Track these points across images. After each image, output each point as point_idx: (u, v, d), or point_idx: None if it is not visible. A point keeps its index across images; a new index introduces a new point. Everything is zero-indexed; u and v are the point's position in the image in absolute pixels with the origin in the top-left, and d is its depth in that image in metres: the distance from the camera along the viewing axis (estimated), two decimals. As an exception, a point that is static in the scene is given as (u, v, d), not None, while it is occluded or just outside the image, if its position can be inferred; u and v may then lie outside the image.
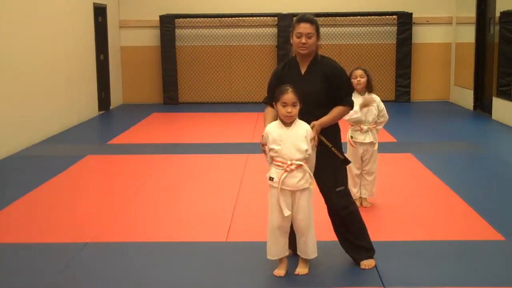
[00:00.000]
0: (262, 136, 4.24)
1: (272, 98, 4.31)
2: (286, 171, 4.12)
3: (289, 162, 4.13)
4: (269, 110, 4.45)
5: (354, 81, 5.71)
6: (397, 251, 4.77)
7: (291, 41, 4.41)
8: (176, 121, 12.07)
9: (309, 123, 4.20)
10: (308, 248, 4.28)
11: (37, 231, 5.37)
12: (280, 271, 4.31)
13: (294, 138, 4.14)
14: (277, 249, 4.28)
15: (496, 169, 7.63)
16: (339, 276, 4.31)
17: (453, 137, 9.96)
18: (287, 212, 4.15)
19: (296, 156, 4.13)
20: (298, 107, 4.16)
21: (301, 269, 4.33)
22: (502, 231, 5.16)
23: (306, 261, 4.35)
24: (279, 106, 4.17)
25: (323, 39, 14.00)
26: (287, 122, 4.18)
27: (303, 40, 4.29)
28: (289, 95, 4.13)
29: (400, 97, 14.06)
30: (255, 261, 4.56)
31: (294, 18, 4.42)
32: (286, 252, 4.31)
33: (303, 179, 4.16)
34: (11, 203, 6.17)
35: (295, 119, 4.19)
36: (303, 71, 4.39)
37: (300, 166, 4.14)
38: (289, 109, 4.12)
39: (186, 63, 14.27)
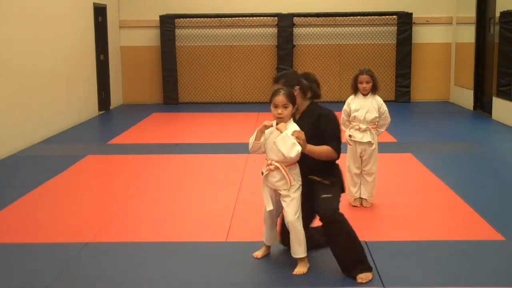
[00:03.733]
0: None
1: None
2: (267, 170, 4.33)
3: (268, 162, 4.32)
4: None
5: (360, 86, 5.75)
6: (397, 251, 4.77)
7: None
8: (176, 121, 12.07)
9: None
10: (293, 247, 4.37)
11: (37, 231, 5.37)
12: (257, 253, 4.63)
13: (275, 141, 4.26)
14: (265, 236, 4.62)
15: (496, 169, 7.63)
16: (338, 276, 4.31)
17: (453, 137, 9.96)
18: (269, 207, 4.39)
19: (274, 158, 4.29)
20: (289, 109, 4.26)
21: (298, 269, 4.36)
22: (502, 231, 5.16)
23: (302, 260, 4.38)
24: (271, 108, 4.31)
25: (323, 39, 14.04)
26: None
27: (279, 111, 4.32)
28: (280, 97, 4.26)
29: (400, 97, 14.06)
30: (255, 260, 4.56)
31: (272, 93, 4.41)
32: (275, 241, 4.62)
33: (281, 181, 4.29)
34: (11, 203, 6.17)
35: (288, 121, 4.29)
36: (297, 117, 4.50)
37: (277, 168, 4.27)
38: (279, 110, 4.25)
39: (186, 63, 14.27)
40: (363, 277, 4.22)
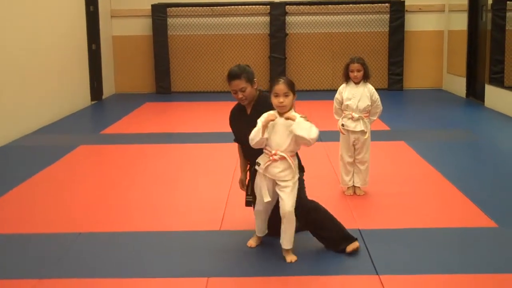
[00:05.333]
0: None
1: (235, 139, 4.81)
2: (270, 160, 4.28)
3: (273, 152, 4.25)
4: (238, 147, 4.86)
5: (351, 75, 5.75)
6: (390, 239, 4.78)
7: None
8: (169, 110, 12.05)
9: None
10: (287, 237, 4.35)
11: (30, 221, 5.36)
12: (251, 242, 4.64)
13: (284, 129, 4.23)
14: (258, 228, 4.63)
15: (488, 156, 7.66)
16: (332, 264, 4.32)
17: (445, 124, 9.98)
18: (267, 198, 4.35)
19: (281, 147, 4.24)
20: (290, 97, 4.24)
21: (291, 257, 4.36)
22: (495, 218, 5.18)
23: (290, 249, 4.40)
24: (272, 97, 4.28)
25: (315, 28, 14.04)
26: (281, 113, 4.28)
27: (240, 95, 4.53)
28: (280, 86, 4.25)
29: (393, 85, 14.07)
30: (249, 249, 4.57)
31: (226, 75, 4.61)
32: (265, 232, 4.63)
33: (285, 171, 4.26)
34: (3, 194, 6.15)
35: (290, 110, 4.27)
36: (248, 111, 4.64)
37: (283, 158, 4.24)
38: (281, 99, 4.22)
39: (178, 52, 14.23)
40: (353, 246, 4.43)
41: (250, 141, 4.29)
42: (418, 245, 4.66)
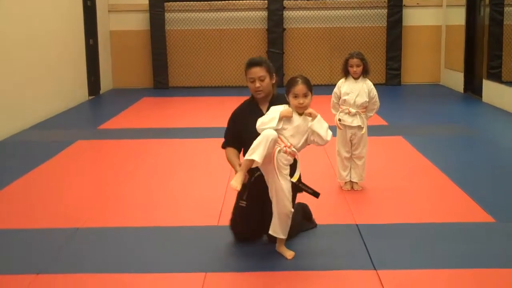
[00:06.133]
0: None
1: (229, 142, 4.53)
2: (284, 149, 4.16)
3: (288, 144, 4.17)
4: (230, 151, 4.55)
5: (350, 70, 5.75)
6: (388, 234, 4.78)
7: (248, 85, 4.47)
8: (166, 105, 12.03)
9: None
10: (276, 226, 4.26)
11: (28, 217, 5.35)
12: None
13: (299, 128, 4.20)
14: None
15: (486, 152, 7.65)
16: (330, 259, 4.32)
17: (443, 119, 9.98)
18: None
19: (294, 143, 4.19)
20: (309, 97, 4.21)
21: (289, 253, 4.33)
22: (493, 213, 5.18)
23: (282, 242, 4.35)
24: (290, 97, 4.22)
25: (313, 22, 14.01)
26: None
27: (257, 84, 4.36)
28: (300, 87, 4.19)
29: (391, 80, 14.06)
30: (247, 244, 4.56)
31: (246, 63, 4.46)
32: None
33: (288, 168, 4.20)
34: (1, 189, 6.14)
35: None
36: (264, 111, 4.41)
37: (294, 154, 4.19)
38: (300, 100, 4.18)
39: (176, 47, 14.20)
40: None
41: (260, 124, 4.14)
42: (416, 240, 4.66)
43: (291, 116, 4.19)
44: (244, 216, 4.50)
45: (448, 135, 8.63)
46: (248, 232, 4.56)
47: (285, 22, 14.08)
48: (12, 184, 6.34)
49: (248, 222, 4.50)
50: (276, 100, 4.46)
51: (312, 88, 4.27)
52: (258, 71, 4.38)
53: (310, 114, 4.20)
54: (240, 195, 4.50)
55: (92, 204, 5.65)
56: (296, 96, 4.19)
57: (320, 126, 4.18)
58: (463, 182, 6.09)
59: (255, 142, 4.10)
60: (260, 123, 4.18)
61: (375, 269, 4.13)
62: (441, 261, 4.25)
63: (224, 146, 4.63)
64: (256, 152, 4.05)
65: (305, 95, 4.19)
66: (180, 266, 4.25)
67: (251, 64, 4.42)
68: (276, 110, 4.21)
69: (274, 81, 4.51)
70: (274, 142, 4.10)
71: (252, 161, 4.06)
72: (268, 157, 4.12)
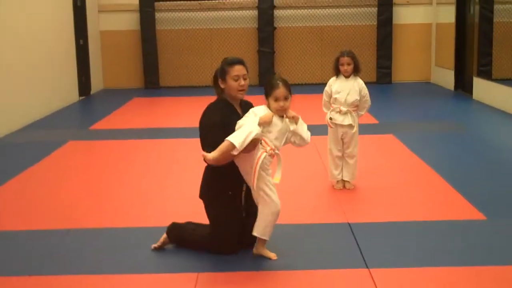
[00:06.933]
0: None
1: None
2: (270, 153, 4.15)
3: (273, 147, 4.17)
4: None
5: (341, 68, 5.76)
6: (379, 232, 4.80)
7: (220, 84, 4.35)
8: (157, 105, 12.02)
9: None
10: (262, 227, 4.22)
11: (20, 218, 5.34)
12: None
13: (280, 130, 4.21)
14: None
15: (477, 149, 7.68)
16: (322, 258, 4.33)
17: (434, 117, 10.01)
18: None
19: (277, 145, 4.20)
20: (289, 99, 4.21)
21: (271, 254, 4.31)
22: (484, 211, 5.21)
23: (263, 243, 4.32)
24: (270, 100, 4.20)
25: (303, 21, 14.02)
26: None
27: (242, 82, 4.29)
28: (281, 90, 4.19)
29: (381, 79, 14.09)
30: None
31: (224, 61, 4.36)
32: None
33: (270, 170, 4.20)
34: (-8, 191, 6.13)
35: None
36: (240, 112, 4.37)
37: (275, 156, 4.19)
38: (281, 103, 4.18)
39: (166, 47, 14.18)
40: None
41: (241, 142, 3.98)
42: (407, 238, 4.68)
43: (271, 122, 4.15)
44: (228, 233, 4.36)
45: (439, 132, 8.66)
46: (235, 244, 4.43)
47: (276, 21, 14.09)
48: (4, 185, 6.31)
49: (233, 235, 4.38)
50: (246, 102, 4.46)
51: (291, 90, 4.26)
52: (242, 69, 4.32)
53: (293, 118, 4.23)
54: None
55: (85, 205, 5.64)
56: (277, 99, 4.18)
57: (303, 128, 4.26)
58: (454, 180, 6.12)
59: (239, 131, 4.06)
60: (241, 141, 4.01)
61: (367, 267, 4.14)
62: (433, 259, 4.27)
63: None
64: (239, 140, 3.98)
65: (285, 98, 4.18)
66: (172, 267, 4.25)
67: (235, 61, 4.32)
68: (256, 113, 4.18)
69: None
70: (256, 140, 4.07)
71: (232, 145, 3.98)
72: (250, 159, 4.11)
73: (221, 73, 4.34)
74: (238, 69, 4.28)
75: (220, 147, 4.05)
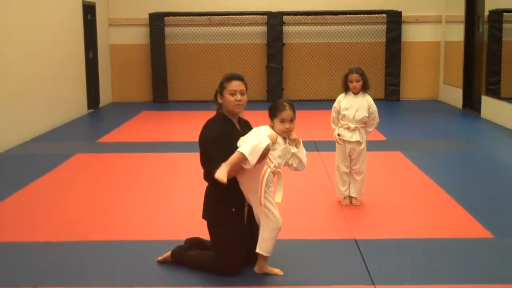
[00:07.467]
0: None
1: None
2: (273, 170, 4.19)
3: (277, 164, 4.21)
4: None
5: (350, 85, 5.76)
6: (387, 249, 4.78)
7: (218, 99, 4.40)
8: (165, 119, 12.04)
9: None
10: (265, 243, 4.21)
11: (26, 229, 5.34)
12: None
13: (282, 150, 4.25)
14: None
15: (485, 167, 7.66)
16: (328, 274, 4.32)
17: (442, 135, 10.00)
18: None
19: (280, 165, 4.26)
20: (294, 122, 4.28)
21: (276, 271, 4.30)
22: (491, 229, 5.18)
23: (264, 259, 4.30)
24: (276, 122, 4.24)
25: (312, 38, 14.07)
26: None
27: (239, 97, 4.31)
28: (288, 112, 4.24)
29: (390, 96, 14.10)
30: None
31: (224, 77, 4.40)
32: None
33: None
34: (0, 202, 6.13)
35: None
36: (239, 128, 4.39)
37: (276, 174, 4.22)
38: (287, 125, 4.23)
39: (175, 61, 14.24)
40: None
41: (250, 151, 3.96)
42: (414, 255, 4.66)
43: (276, 142, 4.20)
44: (233, 253, 4.30)
45: (447, 150, 8.64)
46: (240, 264, 4.37)
47: (285, 37, 14.13)
48: (11, 197, 6.33)
49: (238, 254, 4.33)
50: (244, 120, 4.49)
51: (295, 112, 4.31)
52: (240, 85, 4.34)
53: (294, 140, 4.30)
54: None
55: (91, 218, 5.65)
56: (283, 121, 4.23)
57: (303, 153, 4.34)
58: (462, 198, 6.10)
59: (247, 143, 4.02)
60: (243, 141, 4.10)
61: (373, 284, 4.13)
62: (439, 277, 4.25)
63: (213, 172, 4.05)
64: (251, 155, 3.96)
65: (291, 121, 4.25)
66: (177, 280, 4.25)
67: (233, 77, 4.36)
68: (261, 132, 4.19)
69: None
70: (267, 151, 4.08)
71: (244, 158, 3.96)
72: (255, 176, 4.12)
73: (220, 88, 4.39)
74: (235, 85, 4.32)
75: (230, 159, 4.00)
